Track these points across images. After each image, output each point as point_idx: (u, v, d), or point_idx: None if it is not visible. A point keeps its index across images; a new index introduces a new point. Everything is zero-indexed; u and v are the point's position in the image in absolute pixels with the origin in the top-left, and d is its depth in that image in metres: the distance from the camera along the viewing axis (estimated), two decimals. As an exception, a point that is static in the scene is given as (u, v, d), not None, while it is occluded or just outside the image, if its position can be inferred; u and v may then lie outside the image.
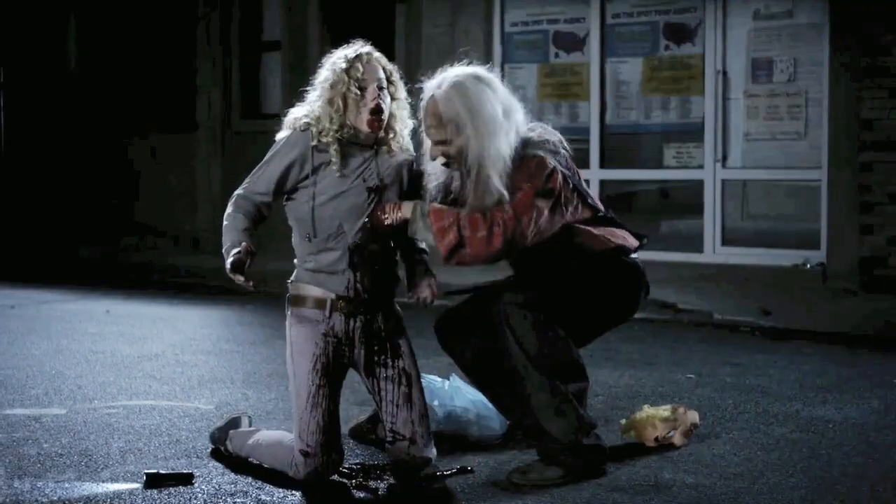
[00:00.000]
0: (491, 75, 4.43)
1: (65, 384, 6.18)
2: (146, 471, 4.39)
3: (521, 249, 4.35)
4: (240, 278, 4.14)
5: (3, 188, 14.67)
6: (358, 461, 4.60)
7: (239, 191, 4.44)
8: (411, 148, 4.51)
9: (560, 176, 4.33)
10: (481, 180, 4.27)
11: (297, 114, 4.46)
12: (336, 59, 4.42)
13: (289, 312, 4.43)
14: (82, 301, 9.79)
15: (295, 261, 4.47)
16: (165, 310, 9.21)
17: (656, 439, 4.77)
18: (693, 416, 4.92)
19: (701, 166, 10.40)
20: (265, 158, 4.43)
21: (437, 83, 4.37)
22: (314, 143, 4.34)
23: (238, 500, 4.12)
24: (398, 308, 4.52)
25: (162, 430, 5.17)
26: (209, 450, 4.77)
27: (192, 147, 13.43)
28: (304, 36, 12.62)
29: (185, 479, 4.34)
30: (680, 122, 10.63)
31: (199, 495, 4.18)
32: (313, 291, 4.37)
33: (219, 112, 13.22)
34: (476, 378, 4.74)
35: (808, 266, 9.66)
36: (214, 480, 4.37)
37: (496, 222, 4.23)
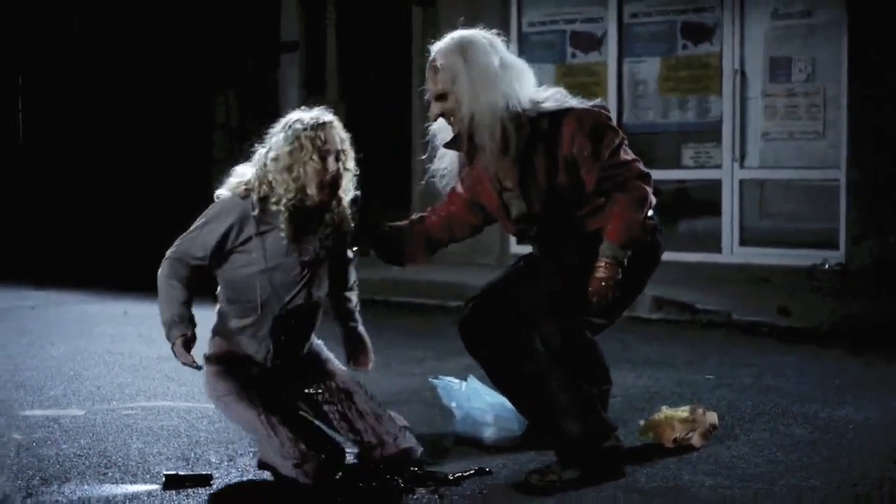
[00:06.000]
0: (497, 38, 4.50)
1: (83, 385, 6.19)
2: (165, 472, 4.39)
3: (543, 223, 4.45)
4: (188, 358, 4.27)
5: (19, 194, 14.73)
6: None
7: (172, 253, 4.39)
8: (350, 217, 4.50)
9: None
10: (481, 128, 4.32)
11: (246, 176, 4.39)
12: (299, 126, 4.31)
13: (208, 364, 4.45)
14: (100, 302, 9.81)
15: (217, 308, 4.49)
16: (183, 311, 9.18)
17: (675, 440, 4.75)
18: (712, 417, 4.90)
19: (719, 166, 10.38)
20: (200, 222, 4.37)
21: (440, 42, 4.46)
22: (255, 212, 4.30)
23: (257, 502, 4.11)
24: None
25: (180, 431, 5.17)
26: (229, 451, 4.77)
27: (208, 149, 13.46)
28: (321, 36, 12.63)
29: (204, 481, 4.33)
30: (698, 121, 10.61)
31: (218, 497, 4.17)
32: (234, 348, 4.42)
33: (235, 113, 13.24)
34: (497, 378, 4.72)
35: (827, 266, 9.63)
36: (234, 482, 4.36)
37: (636, 195, 4.32)
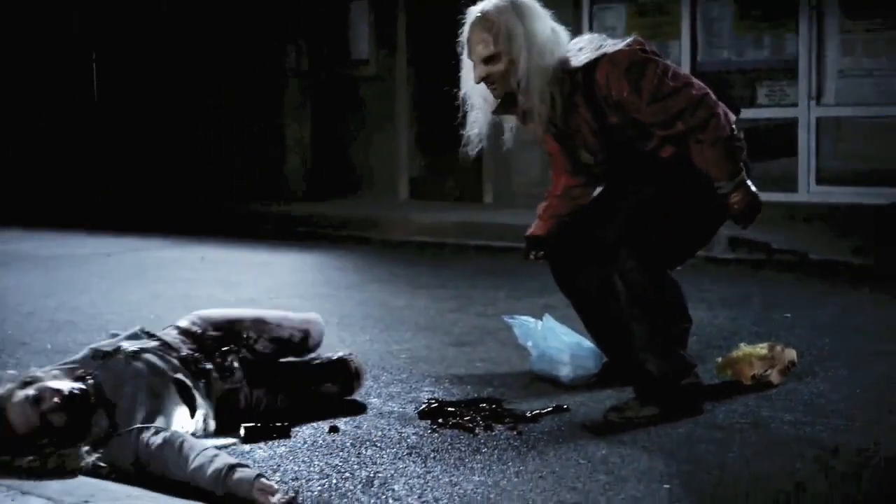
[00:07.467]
0: (538, 4, 4.39)
1: (164, 329, 6.27)
2: (244, 424, 4.14)
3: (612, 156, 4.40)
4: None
5: (95, 148, 14.92)
6: (460, 399, 4.59)
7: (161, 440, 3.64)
8: None
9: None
10: (531, 93, 4.25)
11: None
12: None
13: None
14: (176, 248, 9.92)
15: None
16: (259, 255, 9.28)
17: (753, 377, 4.73)
18: (790, 355, 4.87)
19: (795, 104, 10.24)
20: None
21: (485, 3, 4.33)
22: None
23: (336, 453, 4.09)
24: None
25: (260, 372, 5.20)
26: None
27: (280, 95, 13.51)
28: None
29: (284, 432, 4.15)
30: (773, 59, 10.47)
31: (297, 449, 4.05)
32: None
33: (306, 60, 13.26)
34: (583, 313, 4.74)
35: (905, 204, 9.50)
36: (308, 433, 4.22)
37: (713, 125, 4.16)
